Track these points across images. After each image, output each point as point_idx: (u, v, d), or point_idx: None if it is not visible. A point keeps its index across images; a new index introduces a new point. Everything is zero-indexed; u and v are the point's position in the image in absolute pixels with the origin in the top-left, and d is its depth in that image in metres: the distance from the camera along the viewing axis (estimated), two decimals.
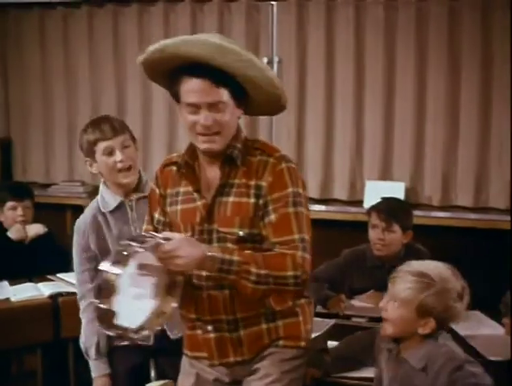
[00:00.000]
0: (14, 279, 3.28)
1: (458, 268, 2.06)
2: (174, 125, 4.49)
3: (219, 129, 2.00)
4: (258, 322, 2.09)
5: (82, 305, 2.58)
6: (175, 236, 1.94)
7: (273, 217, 2.02)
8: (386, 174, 4.11)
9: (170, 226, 2.14)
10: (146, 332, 1.95)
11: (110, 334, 1.96)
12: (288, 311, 2.13)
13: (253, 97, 2.05)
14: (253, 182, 2.05)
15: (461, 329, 2.61)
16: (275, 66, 4.10)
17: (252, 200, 2.04)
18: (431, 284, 2.00)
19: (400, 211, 3.17)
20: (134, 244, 1.85)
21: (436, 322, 2.01)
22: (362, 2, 4.03)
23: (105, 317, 1.85)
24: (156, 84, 4.48)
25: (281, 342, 2.13)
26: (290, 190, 2.03)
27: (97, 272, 2.36)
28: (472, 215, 3.89)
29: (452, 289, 2.01)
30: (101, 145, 2.49)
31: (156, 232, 2.09)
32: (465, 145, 3.96)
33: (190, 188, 2.10)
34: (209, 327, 2.11)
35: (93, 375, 2.60)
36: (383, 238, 3.08)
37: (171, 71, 2.04)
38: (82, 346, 2.59)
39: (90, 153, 2.52)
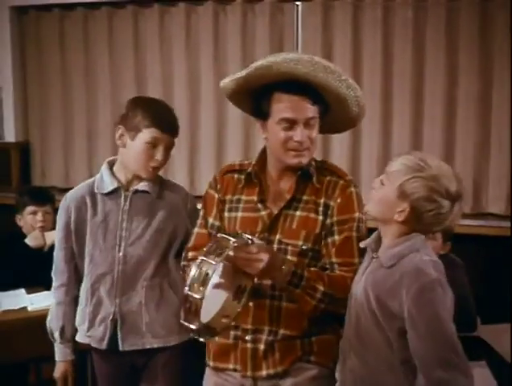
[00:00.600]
0: (32, 287, 3.21)
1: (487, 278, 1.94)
2: (195, 125, 4.42)
3: (309, 145, 2.10)
4: (296, 337, 2.12)
5: (54, 283, 2.53)
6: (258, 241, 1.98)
7: (337, 238, 2.11)
8: None
9: (224, 230, 2.18)
10: (209, 332, 1.94)
11: (190, 327, 1.88)
12: (325, 329, 2.17)
13: (332, 115, 2.15)
14: (322, 201, 2.14)
15: None
16: None
17: (320, 217, 2.13)
18: (422, 168, 1.86)
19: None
20: (230, 238, 1.85)
21: (413, 214, 1.86)
22: (391, 2, 3.91)
23: (191, 309, 1.82)
24: (177, 85, 4.49)
25: (312, 358, 2.13)
26: (357, 215, 2.13)
27: (72, 252, 2.45)
28: (504, 223, 3.75)
29: (441, 182, 1.85)
30: (151, 133, 2.32)
31: (209, 235, 2.19)
32: (498, 149, 3.83)
33: (254, 197, 2.17)
34: (248, 337, 2.12)
35: (57, 358, 2.55)
36: None
37: (259, 89, 2.11)
38: (47, 326, 2.54)
39: (134, 129, 2.33)
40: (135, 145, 2.34)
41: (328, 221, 2.12)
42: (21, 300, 3.10)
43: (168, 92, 4.43)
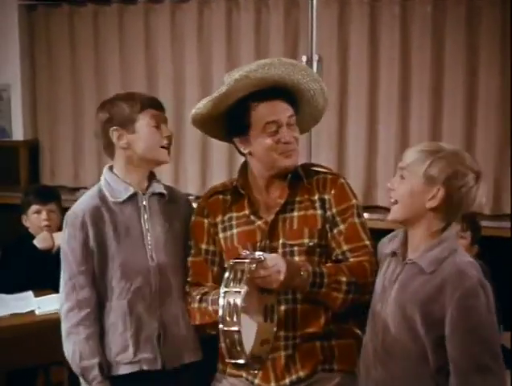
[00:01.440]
0: (40, 289, 3.12)
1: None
2: None
3: (295, 147, 2.15)
4: (315, 339, 2.10)
5: (75, 316, 2.20)
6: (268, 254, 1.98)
7: (342, 227, 2.13)
8: None
9: (220, 254, 2.22)
10: (256, 361, 1.90)
11: (238, 362, 1.82)
12: (345, 333, 2.15)
13: (302, 114, 2.22)
14: (316, 197, 2.16)
15: None
16: (315, 65, 3.98)
17: (319, 212, 2.15)
18: (439, 149, 1.87)
19: (476, 221, 3.06)
20: (244, 260, 1.83)
21: (446, 196, 1.82)
22: None
23: (233, 344, 1.78)
24: (189, 83, 4.41)
25: (335, 366, 2.10)
26: (353, 201, 2.17)
27: (94, 274, 2.21)
28: None
29: (463, 157, 1.86)
30: (149, 113, 2.23)
31: (206, 262, 2.22)
32: None
33: (245, 211, 2.19)
34: None
35: None
36: None
37: (232, 106, 2.16)
38: (76, 367, 2.21)
39: (128, 122, 2.22)
40: (139, 136, 2.22)
41: (328, 213, 2.15)
42: (28, 303, 3.01)
43: (180, 90, 4.36)
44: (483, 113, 3.78)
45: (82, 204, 2.28)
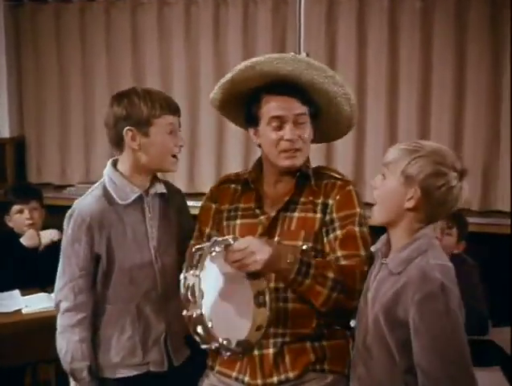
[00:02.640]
0: (27, 288, 3.11)
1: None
2: (195, 120, 4.34)
3: (301, 146, 2.09)
4: (305, 339, 2.07)
5: (71, 317, 2.20)
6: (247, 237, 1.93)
7: (339, 233, 2.08)
8: None
9: None
10: (249, 346, 1.88)
11: (213, 347, 1.77)
12: (335, 334, 2.12)
13: (325, 119, 2.15)
14: (319, 200, 2.12)
15: None
16: None
17: (318, 215, 2.11)
18: (419, 148, 1.79)
19: (461, 217, 3.05)
20: (203, 245, 1.79)
21: (424, 196, 1.76)
22: None
23: (200, 327, 1.73)
24: (177, 79, 4.41)
25: (326, 366, 2.07)
26: (358, 210, 2.10)
27: (95, 278, 2.20)
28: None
29: (444, 155, 1.78)
30: (166, 120, 2.18)
31: None
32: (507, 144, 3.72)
33: (251, 204, 2.17)
34: None
35: None
36: (440, 239, 2.85)
37: (248, 95, 2.13)
38: (67, 366, 2.22)
39: (144, 125, 2.15)
40: (152, 141, 2.17)
41: (328, 218, 2.10)
42: (15, 302, 3.00)
43: (167, 86, 4.33)
44: (471, 108, 3.78)
45: (88, 206, 2.20)
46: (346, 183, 2.15)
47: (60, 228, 3.37)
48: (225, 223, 2.20)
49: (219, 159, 4.30)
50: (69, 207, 3.98)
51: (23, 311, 2.90)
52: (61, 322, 2.24)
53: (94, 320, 2.24)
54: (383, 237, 1.93)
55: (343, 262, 2.04)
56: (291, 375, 2.05)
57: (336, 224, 2.08)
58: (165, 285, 2.23)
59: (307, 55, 3.86)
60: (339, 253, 2.05)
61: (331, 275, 1.95)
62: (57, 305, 2.26)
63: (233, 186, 2.25)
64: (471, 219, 3.62)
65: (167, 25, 4.33)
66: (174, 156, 2.23)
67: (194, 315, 1.72)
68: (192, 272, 1.75)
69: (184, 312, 1.73)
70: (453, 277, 1.78)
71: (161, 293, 2.24)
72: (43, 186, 4.46)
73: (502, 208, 3.78)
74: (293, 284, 1.95)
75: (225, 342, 1.77)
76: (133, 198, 2.20)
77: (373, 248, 1.97)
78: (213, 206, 2.24)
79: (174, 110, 2.21)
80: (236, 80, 2.11)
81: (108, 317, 2.24)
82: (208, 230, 2.22)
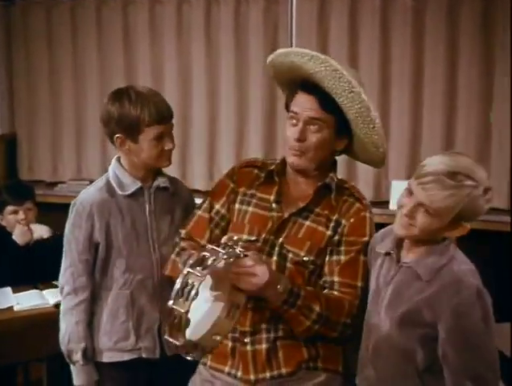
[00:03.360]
0: (18, 285, 3.10)
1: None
2: (187, 120, 4.32)
3: (306, 150, 2.03)
4: (297, 338, 2.06)
5: (71, 300, 2.30)
6: (254, 253, 1.90)
7: (343, 258, 2.05)
8: (413, 174, 3.85)
9: (228, 222, 2.18)
10: (198, 351, 1.86)
11: (175, 343, 1.76)
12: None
13: (356, 138, 2.07)
14: (334, 217, 2.08)
15: None
16: None
17: (328, 232, 2.07)
18: (474, 186, 1.71)
19: None
20: (220, 250, 1.77)
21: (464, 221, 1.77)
22: None
23: (175, 323, 1.72)
24: (168, 78, 4.41)
25: (319, 364, 2.07)
26: (367, 239, 2.07)
27: (94, 264, 2.28)
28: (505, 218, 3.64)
29: (478, 193, 1.73)
30: (155, 129, 2.20)
31: (211, 221, 2.17)
32: (499, 141, 3.72)
33: (269, 196, 2.13)
34: (247, 339, 2.06)
35: (78, 383, 2.33)
36: None
37: (291, 84, 2.09)
38: (64, 348, 2.31)
39: (133, 132, 2.20)
40: (142, 147, 2.23)
41: (336, 238, 2.07)
42: (7, 299, 2.99)
43: (159, 85, 4.30)
44: (463, 105, 3.78)
45: (90, 196, 2.31)
46: (364, 208, 2.10)
47: (51, 224, 3.40)
48: (237, 205, 2.17)
49: (211, 158, 4.29)
50: (61, 203, 4.00)
51: (15, 308, 2.90)
52: (63, 305, 2.34)
53: (92, 305, 2.32)
54: (391, 237, 1.92)
55: (336, 289, 2.03)
56: (283, 371, 2.05)
57: (342, 248, 2.06)
58: (162, 276, 2.28)
59: None
60: (336, 279, 2.04)
61: (317, 309, 1.96)
62: (61, 290, 2.35)
63: (256, 171, 2.21)
64: None
65: (159, 23, 4.32)
66: (166, 155, 2.27)
67: (178, 310, 1.71)
68: (198, 271, 1.72)
69: (170, 303, 1.72)
70: (479, 278, 1.81)
71: (157, 283, 2.31)
72: (35, 183, 4.44)
73: (495, 205, 3.77)
74: (278, 309, 1.96)
75: (185, 341, 1.76)
76: (133, 189, 2.29)
77: (379, 249, 1.96)
78: (231, 185, 2.21)
79: (164, 119, 2.23)
80: (273, 63, 2.09)
81: (104, 302, 2.32)
82: (217, 206, 2.20)
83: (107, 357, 2.33)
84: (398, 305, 1.85)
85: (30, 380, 3.41)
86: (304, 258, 2.05)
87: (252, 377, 2.06)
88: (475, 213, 1.77)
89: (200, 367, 2.20)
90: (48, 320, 2.79)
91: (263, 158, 3.95)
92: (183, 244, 2.19)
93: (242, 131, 4.22)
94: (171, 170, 4.00)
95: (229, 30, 4.15)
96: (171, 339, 1.75)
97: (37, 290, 3.08)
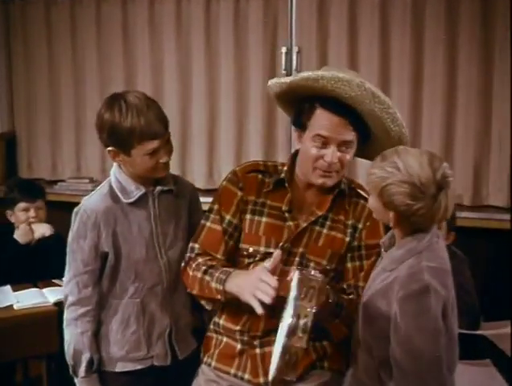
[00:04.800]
0: (18, 283, 3.10)
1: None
2: (187, 118, 4.31)
3: (339, 168, 2.03)
4: None
5: (75, 311, 2.25)
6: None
7: (365, 263, 2.09)
8: None
9: (240, 231, 2.15)
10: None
11: (286, 379, 1.73)
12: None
13: (373, 144, 2.07)
14: (350, 222, 2.10)
15: None
16: (294, 56, 3.95)
17: (347, 239, 2.09)
18: (396, 170, 1.78)
19: None
20: (317, 277, 1.71)
21: (402, 218, 1.80)
22: None
23: (291, 361, 1.68)
24: (168, 74, 4.39)
25: (326, 364, 2.09)
26: (383, 240, 2.04)
27: (100, 274, 2.24)
28: (505, 216, 3.62)
29: (420, 177, 1.76)
30: (147, 146, 2.12)
31: (224, 233, 2.14)
32: (499, 140, 3.71)
33: (281, 205, 2.10)
34: (256, 342, 2.06)
35: None
36: None
37: (304, 99, 2.04)
38: (69, 359, 2.28)
39: (126, 147, 2.12)
40: (135, 160, 2.17)
41: (355, 244, 2.09)
42: (6, 298, 2.98)
43: (158, 81, 4.32)
44: (463, 103, 3.76)
45: (94, 204, 2.24)
46: None
47: (50, 222, 3.40)
48: (248, 216, 2.14)
49: (211, 156, 4.27)
50: (60, 202, 4.01)
51: (15, 307, 2.89)
52: (66, 315, 2.29)
53: (100, 314, 2.28)
54: (390, 232, 1.96)
55: (353, 290, 2.08)
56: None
57: (363, 252, 2.09)
58: (170, 280, 2.26)
59: (299, 49, 3.89)
60: (361, 284, 2.06)
61: (354, 317, 1.97)
62: (65, 299, 2.31)
63: (260, 176, 2.17)
64: (463, 214, 3.65)
65: (158, 19, 4.30)
66: (161, 166, 2.21)
67: (298, 347, 1.66)
68: (307, 305, 1.67)
69: (286, 340, 1.65)
70: (445, 281, 1.80)
71: (166, 288, 2.27)
72: (34, 181, 4.43)
73: (494, 203, 3.77)
74: (322, 321, 1.93)
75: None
76: (137, 196, 2.23)
77: (380, 242, 1.99)
78: (239, 193, 2.17)
79: (156, 134, 2.12)
80: (295, 84, 2.02)
81: (113, 311, 2.27)
82: (229, 217, 2.16)
83: (120, 367, 2.29)
84: (365, 294, 1.89)
85: (29, 378, 3.40)
86: (327, 267, 2.06)
87: (261, 380, 2.06)
88: (407, 209, 1.77)
89: (204, 368, 2.20)
90: (48, 318, 2.83)
91: (263, 157, 3.98)
92: (200, 259, 2.15)
93: (242, 129, 4.21)
94: (171, 169, 4.06)
95: (228, 26, 4.14)
96: (282, 377, 1.70)
97: (37, 288, 3.07)
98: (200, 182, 4.23)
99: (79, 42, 4.50)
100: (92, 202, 2.25)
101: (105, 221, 2.21)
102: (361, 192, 2.14)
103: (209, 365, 2.17)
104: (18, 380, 3.43)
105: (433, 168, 1.77)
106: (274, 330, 2.00)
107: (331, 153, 1.98)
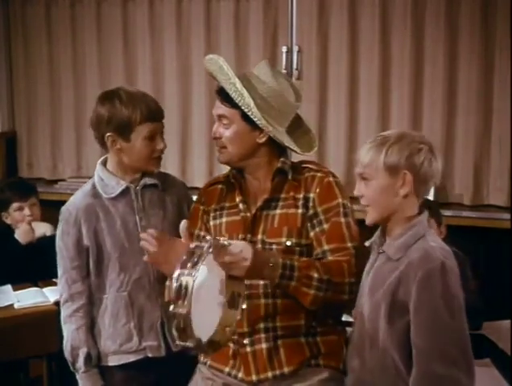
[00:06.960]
0: (19, 283, 3.11)
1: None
2: (187, 117, 4.32)
3: (223, 144, 2.14)
4: (298, 334, 2.07)
5: (69, 308, 2.31)
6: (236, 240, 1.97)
7: (325, 226, 2.07)
8: None
9: None
10: (212, 346, 1.83)
11: (185, 345, 1.75)
12: (328, 330, 2.12)
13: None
14: (301, 195, 2.11)
15: None
16: (295, 56, 3.95)
17: (300, 210, 2.09)
18: (387, 137, 1.84)
19: (434, 204, 3.06)
20: (203, 244, 1.76)
21: (414, 176, 1.81)
22: None
23: (181, 326, 1.70)
24: (168, 74, 4.41)
25: (321, 361, 2.07)
26: (340, 201, 2.09)
27: (88, 269, 2.28)
28: (505, 216, 3.62)
29: (412, 135, 1.87)
30: (146, 127, 2.22)
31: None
32: (499, 141, 3.71)
33: (236, 202, 2.16)
34: (246, 341, 2.06)
35: None
36: None
37: None
38: (68, 355, 2.31)
39: (125, 131, 2.21)
40: (133, 146, 2.24)
41: (311, 212, 2.09)
42: (7, 297, 2.99)
43: (159, 81, 4.33)
44: (463, 103, 3.76)
45: (75, 201, 2.33)
46: (325, 175, 2.13)
47: (51, 221, 3.40)
48: (211, 222, 2.22)
49: (211, 156, 4.27)
50: (61, 201, 3.98)
51: (15, 306, 2.89)
52: (62, 313, 2.35)
53: (91, 310, 2.32)
54: (378, 231, 1.95)
55: (330, 257, 2.04)
56: (286, 370, 2.05)
57: (321, 217, 2.08)
58: (159, 272, 2.26)
59: (300, 49, 3.89)
60: (326, 247, 2.06)
61: (315, 275, 1.95)
62: (60, 298, 2.37)
63: (220, 186, 2.26)
64: (463, 213, 3.66)
65: (159, 19, 4.30)
66: (157, 157, 2.29)
67: (180, 313, 1.70)
68: (187, 271, 1.72)
69: (171, 308, 1.71)
70: (454, 260, 1.81)
71: (154, 280, 2.30)
72: (35, 180, 4.41)
73: (494, 202, 3.77)
74: (279, 287, 1.97)
75: (197, 341, 1.76)
76: (118, 191, 2.29)
77: (367, 243, 1.98)
78: (201, 207, 2.26)
79: (155, 117, 2.25)
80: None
81: (103, 306, 2.32)
82: (196, 231, 2.22)
83: (114, 360, 2.32)
84: (375, 290, 1.86)
85: (30, 378, 3.38)
86: (287, 243, 2.06)
87: (254, 378, 2.06)
88: (416, 155, 1.81)
89: (201, 366, 2.21)
90: (49, 318, 2.83)
91: None
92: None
93: None
94: (172, 168, 4.08)
95: (229, 26, 4.14)
96: (182, 343, 1.74)
97: (37, 288, 3.08)
98: (200, 182, 4.22)
99: (79, 42, 4.50)
100: (73, 200, 2.34)
101: (85, 217, 2.27)
102: (313, 166, 2.16)
103: (205, 364, 2.18)
104: (19, 380, 3.38)
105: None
106: (263, 327, 2.05)
107: (214, 128, 2.19)
